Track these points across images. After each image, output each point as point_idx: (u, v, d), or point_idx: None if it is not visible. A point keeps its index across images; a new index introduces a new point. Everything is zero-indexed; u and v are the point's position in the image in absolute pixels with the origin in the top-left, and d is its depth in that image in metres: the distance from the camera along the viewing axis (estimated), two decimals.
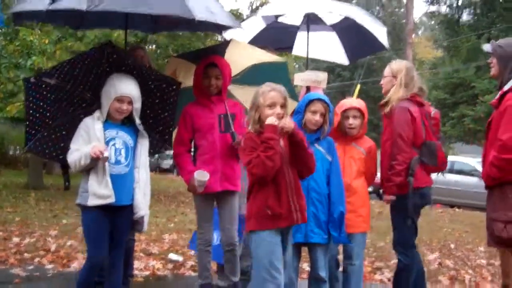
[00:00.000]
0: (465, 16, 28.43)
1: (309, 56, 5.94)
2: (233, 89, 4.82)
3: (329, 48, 6.11)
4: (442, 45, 30.46)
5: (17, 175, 19.60)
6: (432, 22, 37.63)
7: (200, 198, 4.46)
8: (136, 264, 5.53)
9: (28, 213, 9.73)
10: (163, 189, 16.24)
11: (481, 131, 23.32)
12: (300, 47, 6.15)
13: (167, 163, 30.62)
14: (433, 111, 4.44)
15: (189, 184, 4.32)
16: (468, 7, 27.87)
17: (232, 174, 4.45)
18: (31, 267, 5.50)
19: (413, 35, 25.62)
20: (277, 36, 6.11)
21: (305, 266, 5.48)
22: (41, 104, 3.74)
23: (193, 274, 5.48)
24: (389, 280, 5.64)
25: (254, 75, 4.85)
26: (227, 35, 5.81)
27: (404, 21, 29.53)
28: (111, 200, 3.62)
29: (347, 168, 4.22)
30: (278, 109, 3.44)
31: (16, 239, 6.79)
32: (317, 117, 3.88)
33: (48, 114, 3.77)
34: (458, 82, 24.54)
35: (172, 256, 6.19)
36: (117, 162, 3.68)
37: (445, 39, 29.35)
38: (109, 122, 3.73)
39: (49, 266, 5.53)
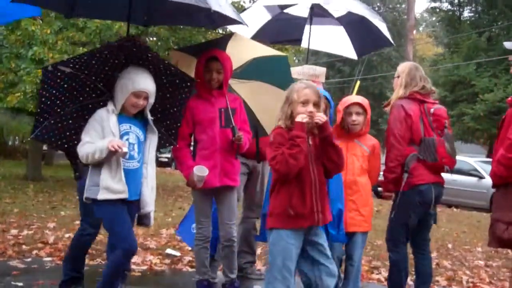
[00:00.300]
0: (466, 13, 28.42)
1: (318, 49, 5.90)
2: (234, 83, 4.82)
3: (338, 42, 6.05)
4: (443, 42, 30.42)
5: (16, 166, 19.59)
6: (433, 19, 37.53)
7: (199, 193, 4.46)
8: (134, 258, 5.52)
9: (26, 204, 9.74)
10: (161, 182, 16.01)
11: (480, 130, 23.37)
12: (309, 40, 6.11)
13: (166, 156, 30.31)
14: (434, 107, 4.42)
15: (189, 179, 4.32)
16: (469, 4, 27.85)
17: (231, 169, 4.45)
18: (29, 259, 5.50)
19: (414, 32, 25.58)
20: (283, 29, 6.04)
21: None
22: (54, 92, 3.69)
23: (190, 269, 5.49)
24: (386, 279, 5.64)
25: (255, 69, 4.85)
26: (228, 26, 5.78)
27: (405, 17, 29.50)
28: (125, 195, 3.59)
29: (350, 165, 4.22)
30: (310, 107, 3.42)
31: (14, 231, 6.79)
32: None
33: (58, 102, 3.72)
34: (458, 79, 24.57)
35: (170, 251, 6.20)
36: (131, 157, 3.64)
37: (445, 36, 29.30)
38: (122, 115, 3.68)
39: (47, 259, 5.53)
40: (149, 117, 3.77)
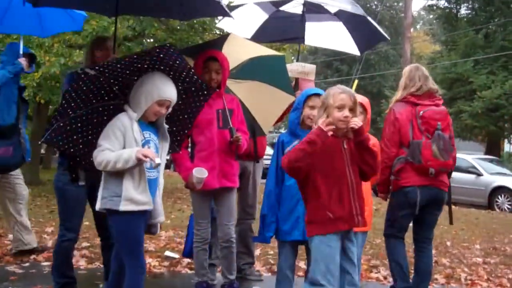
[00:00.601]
0: (463, 11, 28.34)
1: (319, 46, 5.92)
2: (230, 83, 4.81)
3: (338, 38, 6.05)
4: (440, 40, 30.40)
5: None
6: (431, 16, 37.55)
7: (198, 195, 4.46)
8: None
9: None
10: None
11: (478, 127, 23.37)
12: (311, 37, 6.06)
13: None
14: (423, 110, 4.46)
15: (188, 181, 4.31)
16: (466, 1, 27.78)
17: (230, 170, 4.44)
18: (27, 264, 5.49)
19: (411, 30, 25.57)
20: (282, 27, 6.03)
21: (301, 264, 5.49)
22: (73, 94, 3.54)
23: (189, 271, 5.48)
24: (385, 278, 5.65)
25: (251, 69, 4.84)
26: (225, 26, 5.75)
27: (402, 15, 29.46)
28: (149, 207, 3.46)
29: None
30: (346, 112, 3.41)
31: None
32: (315, 112, 3.86)
33: (73, 104, 3.57)
34: (455, 77, 24.52)
35: (168, 253, 6.19)
36: (151, 166, 3.49)
37: (443, 34, 29.30)
38: (141, 122, 3.52)
39: (45, 263, 5.49)
40: (165, 125, 3.64)
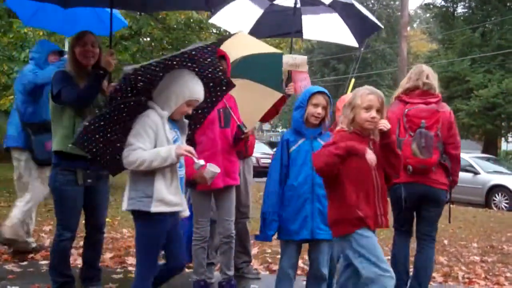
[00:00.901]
0: (460, 9, 28.50)
1: (317, 39, 5.85)
2: None
3: (335, 29, 5.95)
4: (437, 38, 30.50)
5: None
6: (427, 15, 37.62)
7: (199, 193, 4.45)
8: (129, 260, 5.55)
9: None
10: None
11: (475, 126, 23.44)
12: (309, 31, 5.98)
13: None
14: (409, 108, 4.49)
15: (194, 177, 4.01)
16: (463, 0, 27.90)
17: (231, 168, 4.46)
18: (25, 262, 5.47)
19: (408, 28, 25.63)
20: (279, 21, 5.97)
21: (300, 263, 5.48)
22: (108, 94, 3.44)
23: (187, 270, 5.47)
24: None
25: (243, 67, 4.82)
26: (222, 24, 5.70)
27: (399, 14, 29.54)
28: (180, 208, 3.39)
29: None
30: (373, 113, 3.43)
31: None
32: (319, 110, 3.89)
33: (101, 102, 3.50)
34: (452, 76, 24.61)
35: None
36: (181, 165, 3.45)
37: (440, 32, 29.38)
38: (169, 120, 3.41)
39: (43, 262, 5.47)
40: (185, 120, 3.56)
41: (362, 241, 3.39)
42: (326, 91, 4.00)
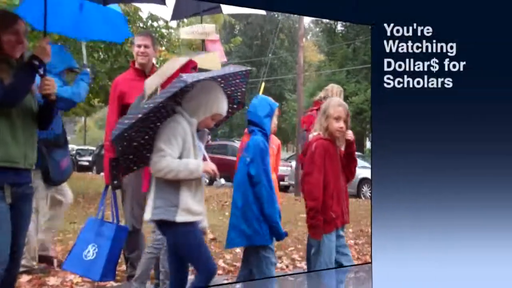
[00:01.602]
0: (339, 27, 32.30)
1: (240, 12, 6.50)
2: None
3: None
4: (324, 51, 34.41)
5: None
6: (317, 29, 40.80)
7: None
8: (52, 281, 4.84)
9: None
10: (81, 190, 12.97)
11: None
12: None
13: (86, 159, 26.28)
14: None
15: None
16: None
17: None
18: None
19: (304, 40, 29.43)
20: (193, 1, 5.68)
21: (220, 263, 5.58)
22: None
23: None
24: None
25: None
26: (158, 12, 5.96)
27: (297, 25, 32.59)
28: (201, 217, 3.27)
29: None
30: (341, 123, 3.73)
31: None
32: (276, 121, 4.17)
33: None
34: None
35: None
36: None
37: (325, 46, 33.54)
38: None
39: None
40: (205, 129, 3.51)
41: (326, 245, 3.75)
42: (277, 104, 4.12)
